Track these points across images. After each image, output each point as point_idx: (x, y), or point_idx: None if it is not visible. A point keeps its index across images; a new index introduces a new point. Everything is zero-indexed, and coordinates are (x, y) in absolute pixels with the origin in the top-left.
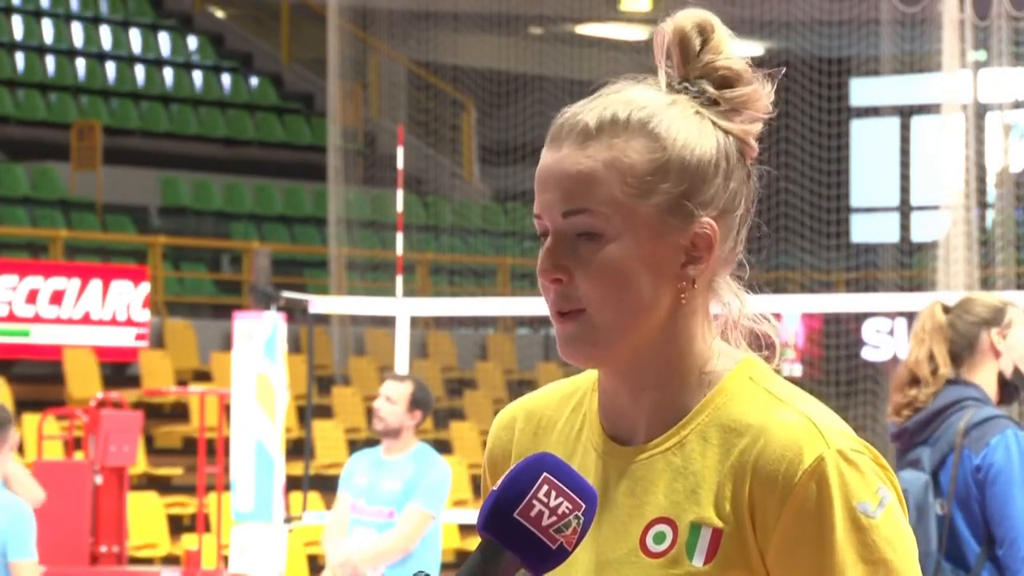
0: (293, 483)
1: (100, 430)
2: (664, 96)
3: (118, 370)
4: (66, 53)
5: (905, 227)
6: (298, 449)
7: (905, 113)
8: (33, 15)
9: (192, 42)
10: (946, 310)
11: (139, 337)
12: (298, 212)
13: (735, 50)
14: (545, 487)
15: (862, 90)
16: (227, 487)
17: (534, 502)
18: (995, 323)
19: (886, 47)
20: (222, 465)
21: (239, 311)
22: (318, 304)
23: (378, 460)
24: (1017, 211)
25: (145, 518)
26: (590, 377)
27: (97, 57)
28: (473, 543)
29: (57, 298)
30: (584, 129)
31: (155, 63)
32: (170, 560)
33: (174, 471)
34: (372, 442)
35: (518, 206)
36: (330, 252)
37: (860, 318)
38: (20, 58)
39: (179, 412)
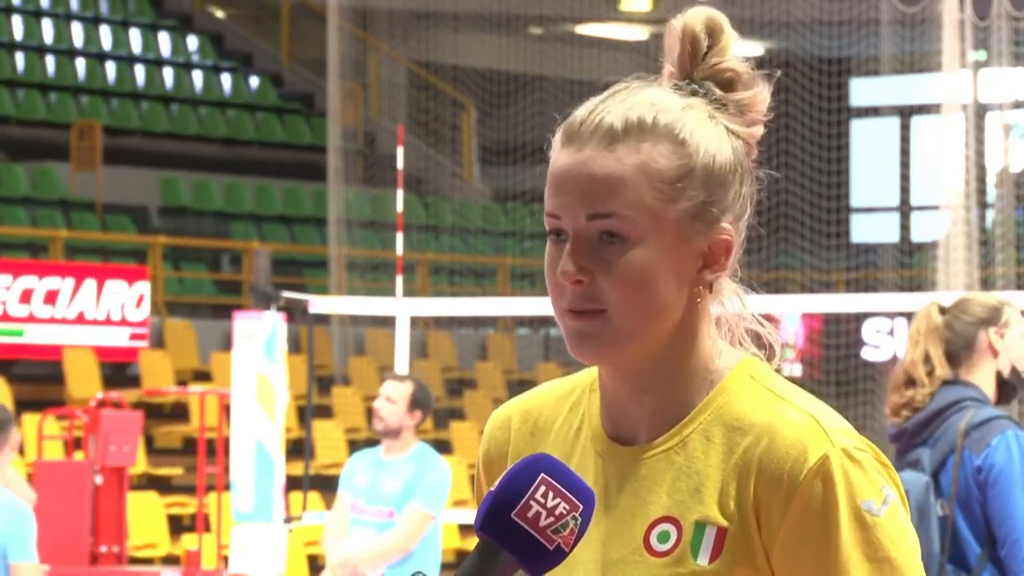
0: (293, 483)
1: (100, 430)
2: (680, 99)
3: (118, 370)
4: (66, 53)
5: (905, 227)
6: (298, 449)
7: (905, 113)
8: (33, 15)
9: (192, 42)
10: (942, 311)
11: (135, 337)
12: (298, 212)
13: (737, 52)
14: (542, 488)
15: (862, 90)
16: (227, 487)
17: (531, 503)
18: (993, 323)
19: (886, 47)
20: (222, 465)
21: (239, 311)
22: (318, 304)
23: (378, 460)
24: (1017, 211)
25: (145, 518)
26: (587, 376)
27: (97, 57)
28: (473, 543)
29: (52, 298)
30: (610, 130)
31: (155, 63)
32: (170, 560)
33: (174, 471)
34: (372, 442)
35: (518, 206)
36: (330, 252)
37: (860, 318)
38: (20, 58)
39: (179, 412)
